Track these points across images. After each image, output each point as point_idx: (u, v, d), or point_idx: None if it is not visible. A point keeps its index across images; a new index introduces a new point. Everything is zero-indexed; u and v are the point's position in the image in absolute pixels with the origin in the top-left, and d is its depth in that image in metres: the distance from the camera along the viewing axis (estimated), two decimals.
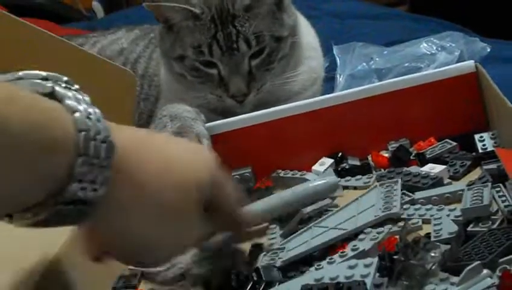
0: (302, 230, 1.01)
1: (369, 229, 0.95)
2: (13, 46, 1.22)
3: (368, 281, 0.79)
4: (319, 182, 1.07)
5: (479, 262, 0.79)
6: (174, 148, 0.81)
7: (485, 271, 0.78)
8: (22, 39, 1.22)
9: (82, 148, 0.66)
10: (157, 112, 1.28)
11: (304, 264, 0.93)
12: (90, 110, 0.68)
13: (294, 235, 1.00)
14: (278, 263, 0.94)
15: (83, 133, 0.66)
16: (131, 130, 0.77)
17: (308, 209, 1.04)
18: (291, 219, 1.04)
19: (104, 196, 0.69)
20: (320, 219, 1.02)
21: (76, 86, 0.71)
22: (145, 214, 0.74)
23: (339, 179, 1.10)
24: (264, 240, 1.02)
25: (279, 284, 0.88)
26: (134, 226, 0.74)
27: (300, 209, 1.04)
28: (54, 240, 0.92)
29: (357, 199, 1.05)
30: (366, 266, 0.83)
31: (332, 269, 0.86)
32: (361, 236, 0.94)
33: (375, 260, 0.82)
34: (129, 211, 0.73)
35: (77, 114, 0.67)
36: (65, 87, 0.69)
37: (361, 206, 1.02)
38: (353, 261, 0.83)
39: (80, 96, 0.69)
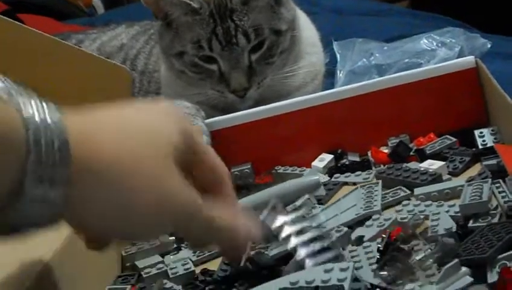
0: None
1: (377, 216, 0.96)
2: (9, 49, 1.22)
3: (346, 285, 0.79)
4: (300, 180, 1.09)
5: (457, 260, 0.79)
6: (141, 118, 0.77)
7: (463, 269, 0.78)
8: (17, 41, 1.22)
9: (32, 147, 0.64)
10: None
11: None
12: (40, 106, 0.66)
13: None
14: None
15: (32, 130, 0.64)
16: (91, 115, 0.73)
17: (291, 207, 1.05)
18: None
19: (66, 194, 0.67)
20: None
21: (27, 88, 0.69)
22: (113, 200, 0.71)
23: (318, 177, 1.09)
24: None
25: (254, 285, 0.88)
26: (109, 213, 0.71)
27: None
28: (48, 245, 0.91)
29: (338, 199, 1.06)
30: (343, 270, 0.83)
31: (308, 273, 0.86)
32: (368, 223, 0.95)
33: (351, 264, 0.83)
34: (97, 201, 0.70)
35: (26, 111, 0.64)
36: (14, 87, 0.68)
37: (343, 206, 1.03)
38: (329, 265, 0.83)
39: (30, 94, 0.67)
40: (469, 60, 1.16)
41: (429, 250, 0.86)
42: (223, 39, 1.23)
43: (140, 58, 1.50)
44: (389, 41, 1.59)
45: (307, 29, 1.37)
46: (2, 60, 1.21)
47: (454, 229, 0.90)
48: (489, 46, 1.45)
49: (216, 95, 1.27)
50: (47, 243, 0.93)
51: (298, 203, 1.04)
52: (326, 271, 0.82)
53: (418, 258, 0.85)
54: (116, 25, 1.70)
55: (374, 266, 0.85)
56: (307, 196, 1.05)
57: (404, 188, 1.04)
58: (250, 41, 1.24)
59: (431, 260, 0.84)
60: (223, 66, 1.24)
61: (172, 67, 1.31)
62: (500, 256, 0.81)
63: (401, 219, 0.94)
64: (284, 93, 1.30)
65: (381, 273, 0.83)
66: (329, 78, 1.49)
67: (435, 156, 1.11)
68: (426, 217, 0.96)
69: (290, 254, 0.93)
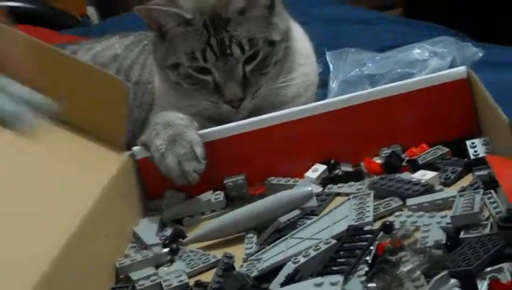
0: (278, 241, 1.03)
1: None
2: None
3: None
4: (293, 192, 1.10)
5: (446, 272, 0.80)
6: None
7: (452, 281, 0.79)
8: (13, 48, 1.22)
9: None
10: (151, 119, 1.28)
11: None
12: None
13: (271, 245, 1.03)
14: (255, 273, 0.97)
15: None
16: None
17: (284, 218, 1.06)
18: (267, 228, 1.07)
19: None
20: (295, 230, 1.04)
21: None
22: None
23: (310, 188, 1.10)
24: (241, 249, 1.05)
25: None
26: None
27: (277, 219, 1.06)
28: (43, 258, 0.92)
29: (331, 210, 1.07)
30: (333, 284, 0.83)
31: (298, 287, 0.87)
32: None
33: (341, 278, 0.83)
34: None
35: None
36: None
37: (336, 217, 1.04)
38: (319, 279, 0.84)
39: None
40: (461, 70, 1.16)
41: (417, 261, 0.87)
42: (218, 50, 1.23)
43: (135, 69, 1.50)
44: (381, 51, 1.60)
45: (301, 40, 1.37)
46: None
47: (443, 241, 0.90)
48: (481, 55, 1.46)
49: (211, 106, 1.26)
50: (41, 257, 0.94)
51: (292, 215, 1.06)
52: (317, 285, 0.83)
53: (405, 269, 0.86)
54: (110, 35, 1.70)
55: (363, 278, 0.86)
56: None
57: (397, 199, 1.04)
58: (244, 52, 1.24)
59: (419, 272, 0.85)
60: (218, 77, 1.25)
61: (167, 79, 1.31)
62: (489, 268, 0.81)
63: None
64: (277, 104, 1.30)
65: (370, 285, 0.84)
66: (322, 88, 1.49)
67: (428, 166, 1.11)
68: (417, 229, 0.96)
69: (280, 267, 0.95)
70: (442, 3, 3.03)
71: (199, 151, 1.16)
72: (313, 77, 1.38)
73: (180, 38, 1.25)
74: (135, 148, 1.23)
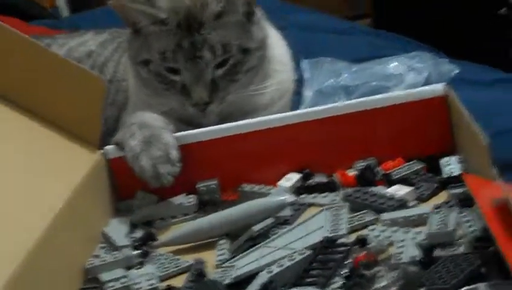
0: (252, 249, 1.03)
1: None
2: None
3: None
4: (267, 201, 1.10)
5: None
6: None
7: None
8: None
9: None
10: (126, 118, 1.27)
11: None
12: None
13: (244, 253, 1.02)
14: (227, 280, 0.97)
15: None
16: None
17: (258, 226, 1.06)
18: (240, 235, 1.07)
19: None
20: (269, 239, 1.04)
21: None
22: None
23: (284, 198, 1.10)
24: (212, 255, 1.05)
25: None
26: None
27: (250, 227, 1.06)
28: (9, 259, 0.91)
29: (305, 221, 1.07)
30: None
31: None
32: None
33: None
34: None
35: None
36: None
37: (310, 228, 1.04)
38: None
39: None
40: (438, 87, 1.17)
41: (392, 277, 0.87)
42: (188, 52, 1.23)
43: (109, 66, 1.49)
44: (356, 62, 1.60)
45: (278, 47, 1.37)
46: None
47: (418, 258, 0.91)
48: (457, 71, 1.47)
49: (178, 106, 1.26)
50: (9, 257, 0.92)
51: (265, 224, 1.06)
52: None
53: (381, 285, 0.87)
54: (84, 31, 1.69)
55: None
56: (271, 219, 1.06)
57: (371, 212, 1.05)
58: (215, 57, 1.23)
59: (394, 288, 0.86)
60: (186, 79, 1.24)
61: (139, 75, 1.30)
62: (465, 288, 0.82)
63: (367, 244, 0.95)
64: (251, 110, 1.30)
65: None
66: (296, 96, 1.50)
67: (402, 181, 1.12)
68: (391, 243, 0.97)
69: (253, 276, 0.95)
70: (411, 16, 3.06)
71: (174, 154, 1.16)
72: (288, 84, 1.38)
73: (153, 37, 1.25)
74: (108, 147, 1.22)
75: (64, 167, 1.17)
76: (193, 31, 1.23)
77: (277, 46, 1.36)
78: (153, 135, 1.17)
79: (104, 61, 1.50)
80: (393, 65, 1.47)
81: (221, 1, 1.23)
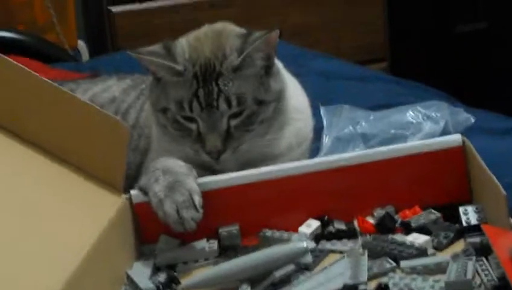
0: None
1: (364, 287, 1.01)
2: (3, 90, 1.23)
3: None
4: (288, 247, 1.12)
5: None
6: None
7: None
8: (14, 82, 1.23)
9: None
10: (149, 163, 1.30)
11: None
12: None
13: None
14: None
15: None
16: None
17: (279, 272, 1.08)
18: (261, 281, 1.08)
19: None
20: (290, 285, 1.06)
21: None
22: None
23: (305, 244, 1.12)
24: None
25: None
26: None
27: (271, 273, 1.08)
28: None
29: (325, 267, 1.09)
30: None
31: None
32: None
33: None
34: None
35: None
36: None
37: (330, 274, 1.06)
38: None
39: None
40: (455, 138, 1.20)
41: None
42: (204, 101, 1.25)
43: (131, 112, 1.52)
44: (374, 109, 1.63)
45: (296, 96, 1.39)
46: None
47: None
48: (473, 120, 1.50)
49: (193, 153, 1.29)
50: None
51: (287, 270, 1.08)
52: None
53: None
54: (107, 76, 1.72)
55: None
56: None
57: (390, 260, 1.07)
58: (231, 107, 1.25)
59: None
60: (201, 127, 1.27)
61: (158, 122, 1.34)
62: None
63: None
64: (269, 157, 1.32)
65: None
66: (315, 142, 1.52)
67: (420, 229, 1.14)
68: None
69: None
70: (427, 61, 3.10)
71: (197, 199, 1.18)
72: (306, 132, 1.40)
73: (171, 86, 1.28)
74: (133, 192, 1.24)
75: (90, 211, 1.19)
76: (210, 81, 1.26)
77: (295, 94, 1.39)
78: (177, 180, 1.20)
79: (127, 107, 1.53)
80: (411, 114, 1.50)
81: (240, 55, 1.26)
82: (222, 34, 1.31)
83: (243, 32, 1.32)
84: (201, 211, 1.18)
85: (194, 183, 1.20)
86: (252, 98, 1.26)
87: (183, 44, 1.31)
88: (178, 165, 1.24)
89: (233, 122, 1.26)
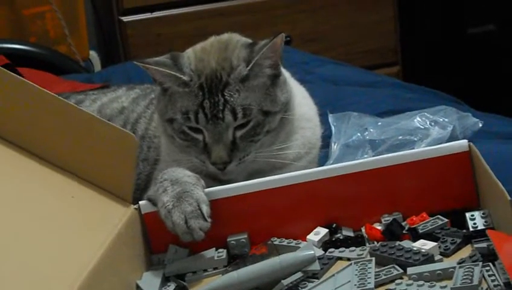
0: None
1: None
2: (13, 106, 1.24)
3: None
4: (296, 255, 1.12)
5: None
6: None
7: None
8: (23, 98, 1.24)
9: None
10: (158, 174, 1.31)
11: None
12: None
13: None
14: None
15: None
16: None
17: (287, 280, 1.09)
18: (270, 289, 1.10)
19: None
20: None
21: None
22: None
23: (313, 252, 1.12)
24: None
25: None
26: None
27: (280, 281, 1.09)
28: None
29: (333, 275, 1.10)
30: None
31: None
32: None
33: None
34: None
35: None
36: None
37: (338, 282, 1.07)
38: None
39: None
40: (462, 143, 1.20)
41: None
42: (209, 113, 1.26)
43: (141, 122, 1.52)
44: (382, 115, 1.63)
45: (304, 105, 1.40)
46: (7, 118, 1.24)
47: None
48: (480, 125, 1.49)
49: (199, 163, 1.30)
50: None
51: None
52: None
53: None
54: (117, 87, 1.73)
55: None
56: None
57: (397, 267, 1.07)
58: (236, 119, 1.26)
59: None
60: (207, 138, 1.27)
61: (165, 132, 1.34)
62: None
63: None
64: (278, 166, 1.32)
65: None
66: (324, 149, 1.53)
67: (427, 235, 1.14)
68: None
69: None
70: (439, 66, 3.10)
71: (205, 209, 1.19)
72: (314, 140, 1.39)
73: (177, 96, 1.29)
74: (142, 202, 1.25)
75: (99, 221, 1.21)
76: (216, 92, 1.26)
77: (302, 103, 1.39)
78: (185, 190, 1.20)
79: (137, 117, 1.54)
80: (418, 120, 1.50)
81: (248, 64, 1.26)
82: (228, 45, 1.32)
83: (249, 42, 1.33)
84: (209, 220, 1.19)
85: (201, 193, 1.21)
86: (258, 109, 1.27)
87: (189, 55, 1.32)
88: (186, 175, 1.24)
89: (239, 133, 1.27)
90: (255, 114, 1.26)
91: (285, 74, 1.34)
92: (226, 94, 1.26)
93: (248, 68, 1.27)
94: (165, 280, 1.20)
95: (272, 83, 1.29)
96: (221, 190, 1.24)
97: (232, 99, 1.26)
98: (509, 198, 0.99)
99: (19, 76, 1.26)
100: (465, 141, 1.20)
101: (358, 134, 1.52)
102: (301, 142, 1.35)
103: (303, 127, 1.37)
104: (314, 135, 1.39)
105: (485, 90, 2.97)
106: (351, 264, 1.10)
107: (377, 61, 3.07)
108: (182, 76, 1.28)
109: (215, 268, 1.21)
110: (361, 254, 1.14)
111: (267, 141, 1.29)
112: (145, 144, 1.47)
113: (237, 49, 1.31)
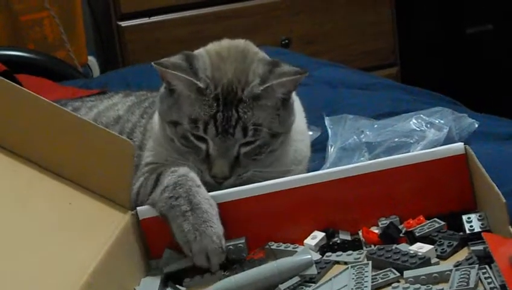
0: None
1: None
2: (10, 114, 1.24)
3: None
4: (293, 259, 1.13)
5: None
6: None
7: None
8: (20, 106, 1.25)
9: None
10: (162, 178, 1.27)
11: None
12: None
13: None
14: None
15: None
16: None
17: (285, 285, 1.09)
18: None
19: None
20: None
21: None
22: None
23: (310, 256, 1.12)
24: None
25: None
26: None
27: (277, 285, 1.10)
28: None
29: (330, 279, 1.10)
30: None
31: None
32: None
33: None
34: None
35: None
36: None
37: (334, 286, 1.07)
38: None
39: None
40: (458, 146, 1.20)
41: None
42: (221, 126, 1.25)
43: (137, 132, 1.50)
44: (380, 117, 1.64)
45: (298, 118, 1.37)
46: (3, 126, 1.24)
47: None
48: (476, 126, 1.50)
49: (196, 172, 1.27)
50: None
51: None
52: None
53: None
54: (113, 93, 1.72)
55: None
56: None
57: (394, 270, 1.08)
58: (246, 136, 1.25)
59: None
60: (212, 150, 1.26)
61: (164, 133, 1.33)
62: None
63: None
64: (270, 179, 1.31)
65: None
66: (321, 152, 1.53)
67: (424, 238, 1.15)
68: None
69: None
70: (437, 67, 3.10)
71: (224, 243, 1.19)
72: (305, 152, 1.40)
73: (187, 101, 1.27)
74: (139, 208, 1.25)
75: (97, 228, 1.21)
76: (230, 107, 1.25)
77: (297, 116, 1.37)
78: (206, 221, 1.19)
79: (132, 127, 1.51)
80: (414, 122, 1.50)
81: (263, 84, 1.25)
82: (247, 56, 1.30)
83: (270, 60, 1.31)
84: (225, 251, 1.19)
85: (220, 225, 1.20)
86: (267, 130, 1.26)
87: (205, 59, 1.30)
88: (204, 198, 1.21)
89: (244, 150, 1.26)
90: (264, 134, 1.26)
91: (293, 96, 1.32)
92: (240, 110, 1.25)
93: (261, 88, 1.25)
94: (163, 286, 1.20)
95: (282, 105, 1.28)
96: (218, 195, 1.24)
97: (245, 116, 1.24)
98: (504, 201, 1.00)
99: (16, 84, 1.27)
100: (461, 143, 1.20)
101: (355, 137, 1.52)
102: (293, 156, 1.35)
103: (296, 139, 1.36)
104: (305, 147, 1.39)
105: (483, 90, 2.97)
106: (347, 268, 1.10)
107: (375, 63, 3.08)
108: (198, 82, 1.26)
109: (212, 273, 1.21)
110: (359, 258, 1.14)
111: (267, 161, 1.29)
112: (142, 154, 1.46)
113: (255, 63, 1.29)
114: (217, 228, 1.19)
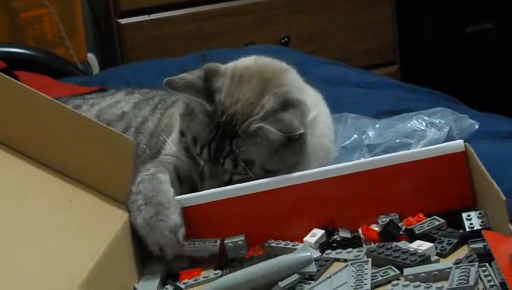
0: None
1: None
2: (10, 110, 1.24)
3: None
4: (292, 257, 1.12)
5: None
6: None
7: None
8: (20, 102, 1.24)
9: None
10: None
11: None
12: None
13: None
14: None
15: None
16: None
17: (284, 282, 1.09)
18: None
19: None
20: None
21: None
22: None
23: (309, 253, 1.12)
24: None
25: None
26: None
27: (277, 283, 1.09)
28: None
29: (329, 276, 1.10)
30: None
31: None
32: None
33: None
34: None
35: None
36: None
37: (334, 284, 1.07)
38: None
39: None
40: (458, 144, 1.20)
41: None
42: (213, 154, 1.25)
43: (149, 122, 1.51)
44: (380, 115, 1.64)
45: (323, 136, 1.36)
46: (3, 123, 1.24)
47: None
48: (477, 126, 1.50)
49: (195, 178, 1.30)
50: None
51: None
52: None
53: None
54: (115, 90, 1.73)
55: None
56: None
57: (394, 268, 1.07)
58: (236, 169, 1.25)
59: None
60: (205, 171, 1.27)
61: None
62: None
63: None
64: None
65: None
66: None
67: (424, 236, 1.15)
68: None
69: None
70: (437, 65, 3.10)
71: (181, 235, 1.19)
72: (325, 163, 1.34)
73: (197, 118, 1.28)
74: None
75: (97, 225, 1.21)
76: (226, 138, 1.25)
77: (323, 134, 1.36)
78: (158, 214, 1.20)
79: (143, 120, 1.52)
80: (415, 122, 1.50)
81: (260, 122, 1.23)
82: (268, 85, 1.28)
83: (284, 99, 1.26)
84: (184, 243, 1.20)
85: (176, 217, 1.20)
86: (261, 166, 1.25)
87: (225, 79, 1.29)
88: (162, 191, 1.22)
89: (236, 177, 1.26)
90: (256, 170, 1.25)
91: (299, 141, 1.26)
92: (233, 143, 1.25)
93: (256, 126, 1.23)
94: (163, 283, 1.20)
95: (284, 147, 1.25)
96: (218, 192, 1.24)
97: (237, 151, 1.24)
98: (503, 198, 1.00)
99: (16, 80, 1.27)
100: (461, 141, 1.21)
101: (356, 136, 1.52)
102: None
103: (318, 155, 1.33)
104: (328, 161, 1.36)
105: (482, 88, 2.97)
106: (347, 265, 1.10)
107: (375, 61, 3.09)
108: (207, 106, 1.26)
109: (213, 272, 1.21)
110: (358, 255, 1.14)
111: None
112: (153, 140, 1.46)
113: (270, 95, 1.27)
114: (171, 221, 1.19)
